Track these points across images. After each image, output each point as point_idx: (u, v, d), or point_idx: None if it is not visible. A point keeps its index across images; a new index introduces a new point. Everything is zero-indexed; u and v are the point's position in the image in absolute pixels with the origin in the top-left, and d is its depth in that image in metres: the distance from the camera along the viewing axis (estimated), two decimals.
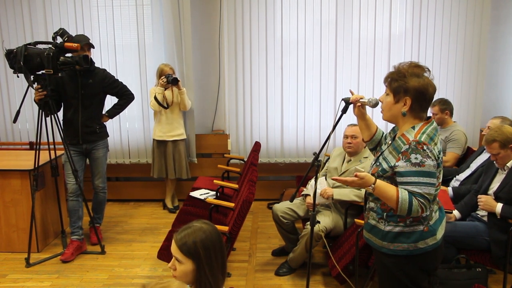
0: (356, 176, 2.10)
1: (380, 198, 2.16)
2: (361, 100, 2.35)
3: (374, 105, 2.30)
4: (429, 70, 2.16)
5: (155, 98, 4.73)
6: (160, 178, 5.14)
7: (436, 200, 2.22)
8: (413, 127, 2.13)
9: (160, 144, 4.96)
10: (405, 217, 2.14)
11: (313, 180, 3.46)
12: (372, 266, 3.07)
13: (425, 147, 2.04)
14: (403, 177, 2.07)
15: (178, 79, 4.77)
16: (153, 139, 4.99)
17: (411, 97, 2.10)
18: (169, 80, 4.69)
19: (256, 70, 5.14)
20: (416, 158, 2.04)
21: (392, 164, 2.12)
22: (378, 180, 2.12)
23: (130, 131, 5.30)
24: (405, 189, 2.07)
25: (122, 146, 5.31)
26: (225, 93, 5.26)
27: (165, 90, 4.77)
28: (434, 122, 2.19)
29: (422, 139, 2.06)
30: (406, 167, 2.06)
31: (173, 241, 1.69)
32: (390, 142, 2.25)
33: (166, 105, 4.79)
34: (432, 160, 2.05)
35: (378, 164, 2.23)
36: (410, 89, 2.09)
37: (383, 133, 2.46)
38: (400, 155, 2.09)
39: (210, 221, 1.86)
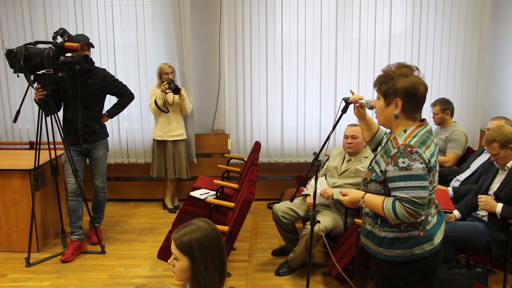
0: (341, 193, 2.31)
1: (372, 209, 2.19)
2: (359, 100, 2.34)
3: (372, 107, 2.29)
4: (418, 69, 2.12)
5: (155, 102, 4.73)
6: (159, 178, 5.15)
7: (434, 203, 2.20)
8: (405, 131, 2.10)
9: (160, 144, 4.96)
10: (399, 223, 2.11)
11: (313, 180, 3.46)
12: (372, 266, 3.07)
13: (413, 150, 2.00)
14: (392, 183, 2.06)
15: (180, 87, 4.71)
16: (153, 139, 4.99)
17: (402, 98, 2.07)
18: (171, 88, 4.62)
19: (256, 70, 5.13)
20: (403, 162, 2.01)
21: (383, 169, 2.10)
22: (366, 195, 2.19)
23: (130, 131, 5.30)
24: (393, 195, 2.06)
25: (122, 146, 5.31)
26: (225, 93, 5.26)
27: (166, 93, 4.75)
28: (429, 125, 2.14)
29: (411, 143, 2.03)
30: (394, 172, 2.04)
31: (172, 238, 1.72)
32: (383, 144, 2.24)
33: (166, 110, 4.79)
34: (421, 163, 2.00)
35: (370, 168, 2.21)
36: (399, 90, 2.06)
37: (384, 133, 2.44)
38: (389, 159, 2.07)
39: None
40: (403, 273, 2.17)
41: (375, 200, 2.14)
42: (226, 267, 1.75)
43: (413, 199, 2.00)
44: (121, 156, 5.33)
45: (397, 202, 2.03)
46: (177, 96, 4.77)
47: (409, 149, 2.01)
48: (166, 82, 4.68)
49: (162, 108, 4.77)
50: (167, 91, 4.70)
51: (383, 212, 2.08)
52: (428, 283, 2.26)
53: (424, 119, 2.16)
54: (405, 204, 2.01)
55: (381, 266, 2.23)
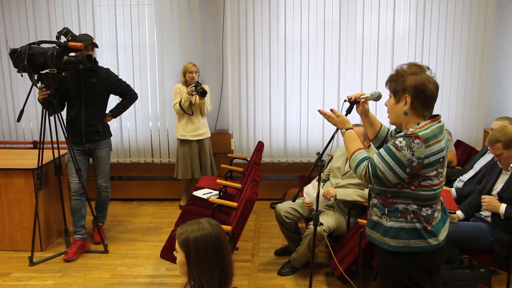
0: (332, 112, 2.33)
1: (345, 145, 2.26)
2: (363, 96, 2.35)
3: (377, 98, 2.30)
4: (429, 69, 2.15)
5: (180, 104, 4.70)
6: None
7: (439, 200, 2.21)
8: (418, 124, 2.12)
9: (184, 144, 4.91)
10: (406, 213, 2.13)
11: (309, 186, 3.47)
12: (375, 266, 3.07)
13: (416, 141, 2.02)
14: (381, 150, 2.11)
15: (206, 91, 4.69)
16: (177, 139, 4.96)
17: (410, 94, 2.10)
18: (198, 91, 4.58)
19: (259, 70, 5.13)
20: (400, 142, 2.04)
21: None
22: (351, 130, 2.25)
23: (132, 130, 5.31)
24: (372, 157, 2.13)
25: (124, 145, 5.32)
26: (228, 92, 5.26)
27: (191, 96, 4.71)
28: (442, 121, 2.16)
29: (419, 134, 2.04)
30: (389, 144, 2.09)
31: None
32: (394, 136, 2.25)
33: (191, 113, 4.77)
34: (412, 155, 2.02)
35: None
36: (408, 86, 2.09)
37: (388, 129, 2.46)
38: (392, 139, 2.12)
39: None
40: (406, 266, 2.17)
41: (355, 141, 2.22)
42: (229, 272, 1.72)
43: (377, 169, 2.07)
44: (124, 156, 5.34)
45: (366, 161, 2.12)
46: (198, 98, 4.74)
47: (413, 137, 2.03)
48: (193, 85, 4.64)
49: (187, 111, 4.75)
50: (193, 94, 4.67)
51: (351, 155, 2.18)
52: (430, 282, 2.25)
53: (437, 115, 2.17)
54: (369, 166, 2.09)
55: (385, 258, 2.23)
